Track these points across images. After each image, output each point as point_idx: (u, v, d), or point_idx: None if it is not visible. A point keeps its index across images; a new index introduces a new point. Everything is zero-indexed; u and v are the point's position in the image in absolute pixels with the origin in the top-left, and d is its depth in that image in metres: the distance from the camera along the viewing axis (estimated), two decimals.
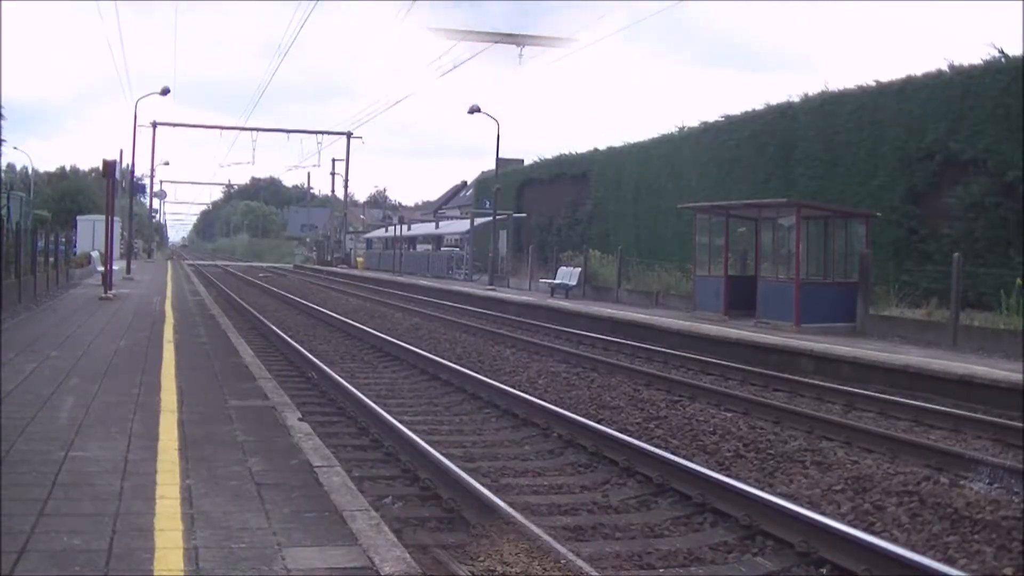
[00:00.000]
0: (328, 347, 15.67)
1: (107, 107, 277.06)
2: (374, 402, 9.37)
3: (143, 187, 65.08)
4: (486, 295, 27.71)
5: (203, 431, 6.63)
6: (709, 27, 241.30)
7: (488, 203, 41.86)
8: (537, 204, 41.20)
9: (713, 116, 29.08)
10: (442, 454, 7.12)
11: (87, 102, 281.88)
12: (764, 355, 14.33)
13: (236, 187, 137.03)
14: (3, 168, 37.21)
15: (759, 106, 26.46)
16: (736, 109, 28.15)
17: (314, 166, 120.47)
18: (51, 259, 24.69)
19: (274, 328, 17.07)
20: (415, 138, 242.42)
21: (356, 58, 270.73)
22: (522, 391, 10.67)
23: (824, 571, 5.28)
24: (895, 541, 5.54)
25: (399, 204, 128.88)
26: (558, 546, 4.99)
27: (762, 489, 6.51)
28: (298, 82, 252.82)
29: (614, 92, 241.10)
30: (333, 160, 70.97)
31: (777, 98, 28.35)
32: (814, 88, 29.50)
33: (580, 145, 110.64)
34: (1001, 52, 18.87)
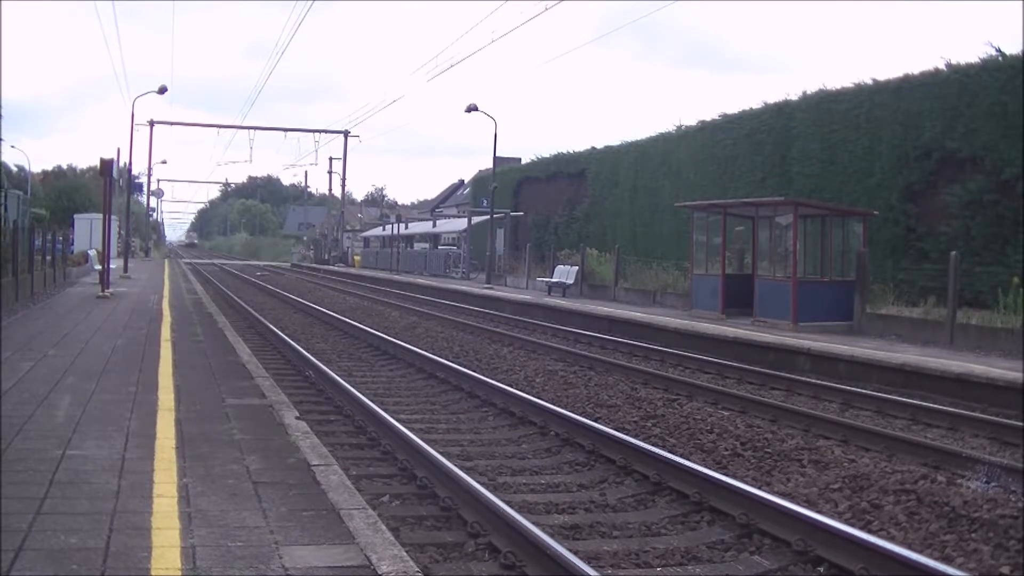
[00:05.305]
0: (325, 345, 15.66)
1: (104, 106, 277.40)
2: (371, 400, 9.37)
3: (140, 186, 65.00)
4: (483, 293, 27.70)
5: (200, 429, 6.63)
6: (707, 29, 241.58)
7: (485, 201, 41.83)
8: (534, 202, 41.20)
9: (710, 115, 29.12)
10: (439, 452, 7.11)
11: (84, 101, 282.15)
12: (761, 353, 14.34)
13: (233, 186, 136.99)
14: (1, 166, 37.01)
15: (756, 104, 26.51)
16: (732, 108, 28.20)
17: (312, 164, 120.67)
18: (48, 257, 24.67)
19: (271, 327, 17.06)
20: (412, 137, 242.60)
21: (352, 58, 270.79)
22: (519, 389, 10.66)
23: (821, 570, 5.29)
24: (892, 539, 5.54)
25: (396, 203, 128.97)
26: (556, 544, 4.98)
27: (759, 488, 6.52)
28: (295, 82, 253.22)
29: (611, 92, 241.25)
30: (331, 159, 71.04)
31: (773, 97, 28.38)
32: (810, 87, 29.51)
33: (577, 143, 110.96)
34: (998, 50, 18.92)
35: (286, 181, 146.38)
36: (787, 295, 17.79)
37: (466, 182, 71.10)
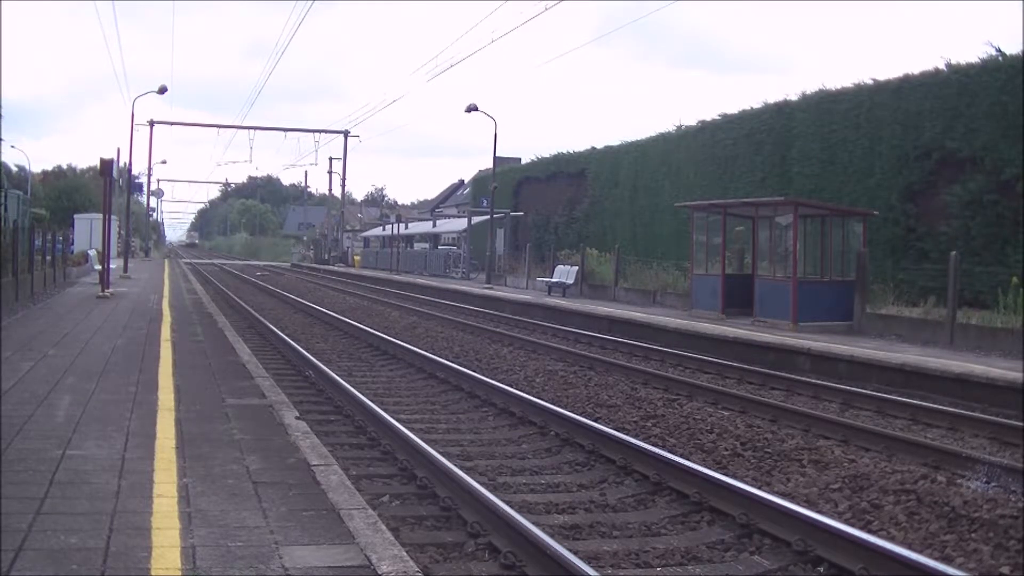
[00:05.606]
0: (325, 345, 15.66)
1: (104, 106, 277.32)
2: (371, 400, 9.37)
3: (140, 186, 64.98)
4: (483, 293, 27.70)
5: (200, 429, 6.63)
6: (707, 29, 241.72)
7: (485, 201, 41.84)
8: (534, 202, 41.19)
9: (710, 115, 29.11)
10: (439, 452, 7.11)
11: (84, 101, 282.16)
12: (761, 353, 14.33)
13: (233, 186, 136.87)
14: (1, 166, 37.05)
15: (756, 104, 26.51)
16: (733, 108, 28.19)
17: (311, 164, 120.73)
18: (48, 257, 24.67)
19: (271, 327, 17.06)
20: (412, 137, 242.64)
21: (352, 58, 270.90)
22: (519, 389, 10.66)
23: (821, 570, 5.29)
24: (892, 539, 5.54)
25: (396, 203, 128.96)
26: (556, 544, 4.98)
27: (759, 488, 6.52)
28: (295, 82, 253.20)
29: (610, 92, 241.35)
30: (331, 159, 70.99)
31: (773, 97, 28.38)
32: (810, 87, 29.48)
33: (577, 143, 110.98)
34: (998, 51, 18.92)
35: (286, 181, 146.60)
36: (787, 295, 17.79)
37: (466, 182, 71.09)
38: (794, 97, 24.78)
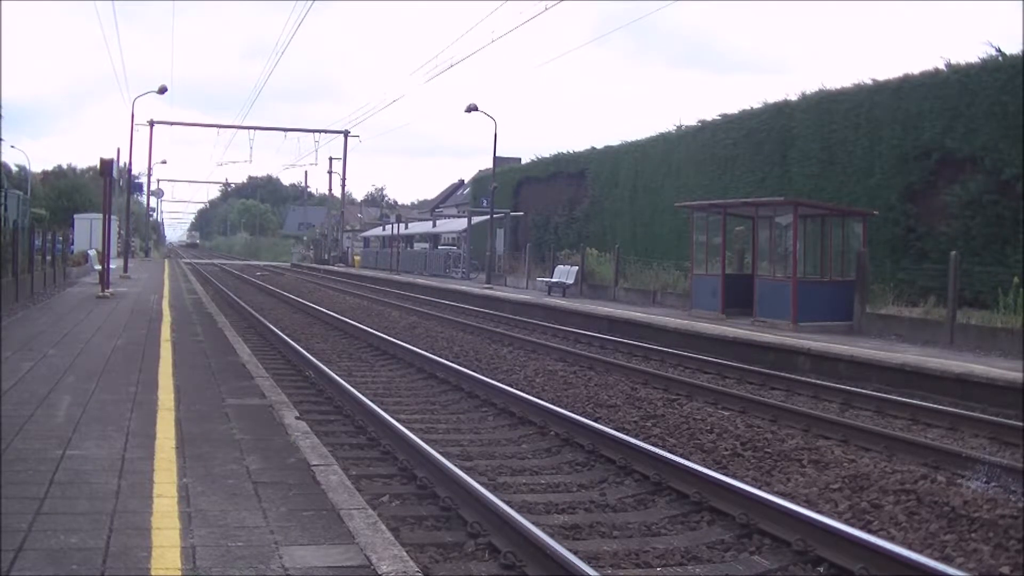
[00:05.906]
0: (325, 346, 15.66)
1: (104, 106, 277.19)
2: (371, 400, 9.36)
3: (140, 186, 64.96)
4: (483, 293, 27.70)
5: (200, 429, 6.62)
6: (707, 29, 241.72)
7: (485, 201, 41.83)
8: (534, 202, 41.19)
9: (710, 115, 29.11)
10: (439, 452, 7.11)
11: (83, 101, 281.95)
12: (761, 353, 14.33)
13: (233, 186, 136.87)
14: (1, 166, 37.10)
15: (756, 104, 26.51)
16: (732, 108, 28.19)
17: (311, 164, 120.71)
18: (48, 257, 24.68)
19: (271, 327, 17.05)
20: (412, 137, 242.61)
21: (352, 58, 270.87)
22: (519, 389, 10.66)
23: (821, 570, 5.29)
24: (892, 539, 5.54)
25: (396, 203, 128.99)
26: (556, 544, 4.98)
27: (759, 488, 6.51)
28: (295, 82, 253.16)
29: (610, 92, 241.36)
30: (331, 159, 71.02)
31: (773, 97, 28.38)
32: (810, 87, 29.47)
33: (577, 143, 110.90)
34: (998, 50, 18.92)
35: (286, 181, 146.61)
36: (787, 295, 17.80)
37: (466, 182, 71.08)
38: (794, 97, 24.82)
